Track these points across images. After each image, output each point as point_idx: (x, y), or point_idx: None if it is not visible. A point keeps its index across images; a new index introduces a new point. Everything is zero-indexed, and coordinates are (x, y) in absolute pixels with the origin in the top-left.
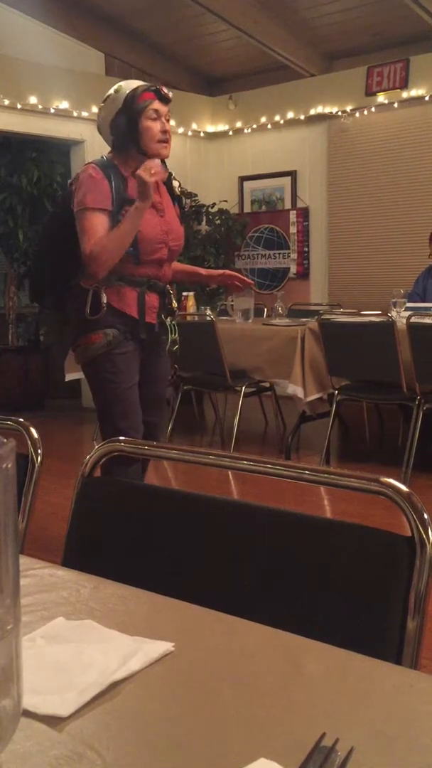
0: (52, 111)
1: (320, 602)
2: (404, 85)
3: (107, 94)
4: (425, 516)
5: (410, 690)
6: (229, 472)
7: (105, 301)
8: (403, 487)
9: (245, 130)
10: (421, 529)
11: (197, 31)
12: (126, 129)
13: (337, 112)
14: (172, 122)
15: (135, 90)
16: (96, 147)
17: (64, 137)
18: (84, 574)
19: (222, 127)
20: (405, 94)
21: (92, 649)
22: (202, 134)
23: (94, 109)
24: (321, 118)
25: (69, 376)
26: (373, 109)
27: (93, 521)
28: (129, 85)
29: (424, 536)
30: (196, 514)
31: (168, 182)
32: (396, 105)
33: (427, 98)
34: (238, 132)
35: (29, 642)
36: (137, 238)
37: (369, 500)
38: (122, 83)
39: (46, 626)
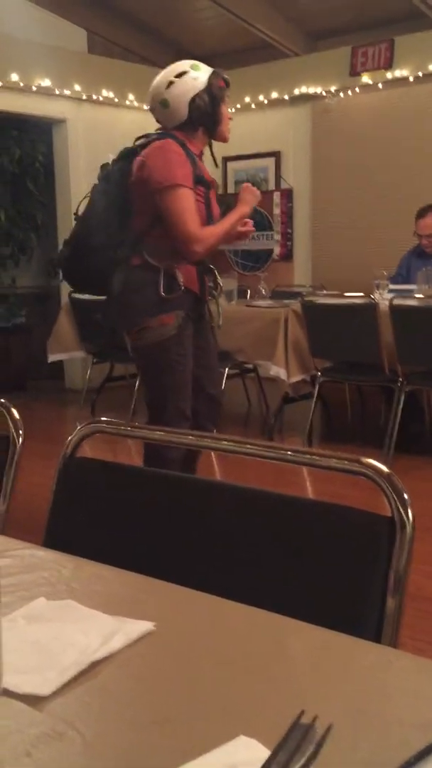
0: (34, 88)
1: (301, 582)
2: (389, 65)
3: (181, 71)
4: (405, 496)
5: (389, 668)
6: (212, 453)
7: (182, 280)
8: (384, 468)
9: (229, 110)
10: (401, 509)
11: (181, 8)
12: (210, 110)
13: (321, 93)
14: None
15: (216, 74)
16: (79, 125)
17: (46, 115)
18: (65, 554)
19: None
20: (389, 75)
21: (73, 628)
22: None
23: (77, 87)
24: (305, 98)
25: (52, 357)
26: (357, 90)
27: (74, 502)
28: (206, 66)
29: (404, 516)
30: (178, 494)
31: None
32: (380, 86)
33: (411, 79)
34: None
35: (10, 622)
36: (210, 216)
37: (350, 481)
38: (196, 62)
39: (27, 606)
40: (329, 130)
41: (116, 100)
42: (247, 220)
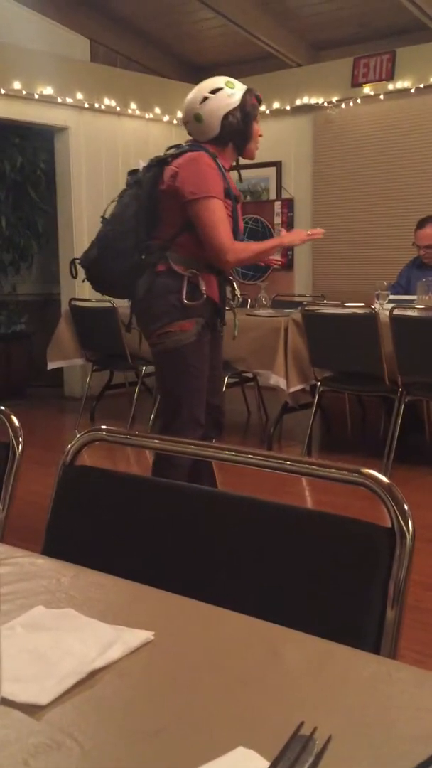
0: (36, 96)
1: (300, 592)
2: (390, 77)
3: (216, 87)
4: (406, 507)
5: (388, 679)
6: (211, 462)
7: (204, 289)
8: (384, 479)
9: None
10: (401, 520)
11: (184, 18)
12: (241, 127)
13: (323, 103)
14: (157, 110)
15: (250, 91)
16: (81, 133)
17: (48, 123)
18: (64, 563)
19: None
20: (391, 86)
21: (72, 637)
22: None
23: (79, 96)
24: (307, 108)
25: (52, 364)
26: (359, 101)
27: (74, 510)
28: (240, 84)
29: (404, 527)
30: (177, 503)
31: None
32: (382, 97)
33: (413, 91)
34: None
35: (9, 630)
36: (236, 230)
37: (350, 491)
38: (230, 79)
39: (25, 615)
40: (330, 140)
41: (118, 108)
42: (278, 259)
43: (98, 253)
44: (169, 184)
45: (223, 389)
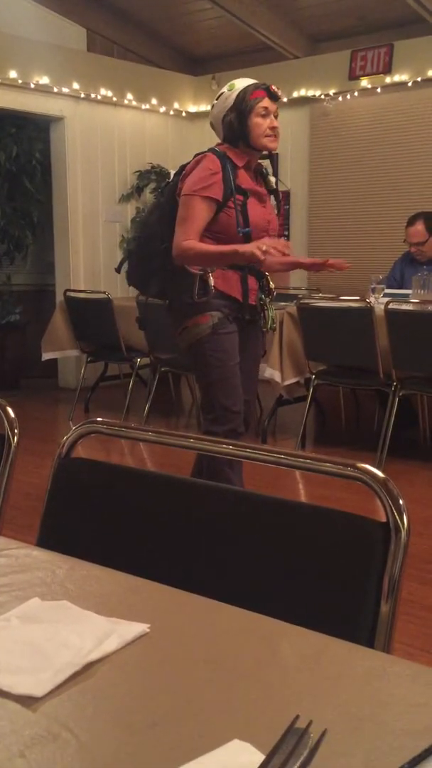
0: (32, 86)
1: (295, 586)
2: (388, 70)
3: (220, 92)
4: (401, 502)
5: (383, 674)
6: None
7: (213, 285)
8: (380, 473)
9: (269, 119)
10: (396, 514)
11: (181, 9)
12: (237, 126)
13: (320, 96)
14: (154, 101)
15: (246, 88)
16: (77, 124)
17: (44, 113)
18: (59, 554)
19: (204, 107)
20: (388, 80)
21: (67, 629)
22: (184, 114)
23: (75, 86)
24: (304, 101)
25: (46, 355)
26: (356, 94)
27: (69, 502)
28: (241, 83)
29: (399, 522)
30: (172, 496)
31: (264, 178)
32: (379, 90)
33: (410, 84)
34: None
35: (4, 622)
36: (250, 223)
37: (344, 485)
38: (236, 81)
39: (21, 606)
40: (327, 133)
41: (114, 99)
42: (272, 243)
43: (135, 258)
44: (181, 188)
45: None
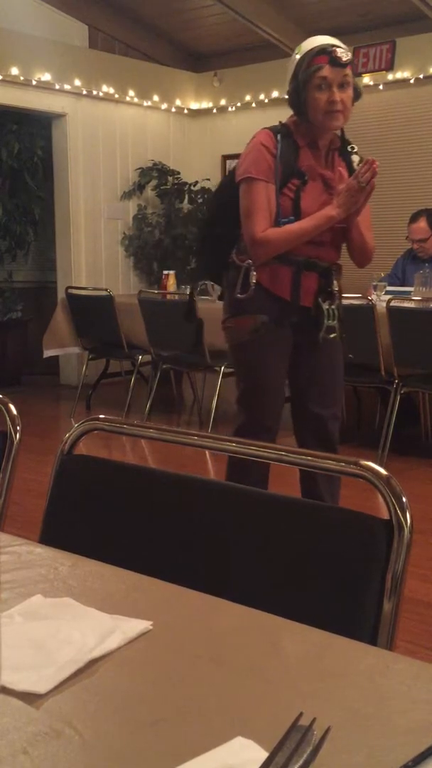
0: (34, 83)
1: (297, 583)
2: (390, 66)
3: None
4: (404, 499)
5: (386, 671)
6: (206, 452)
7: (254, 281)
8: (383, 471)
9: (229, 108)
10: (399, 512)
11: (183, 5)
12: (296, 99)
13: None
14: (156, 98)
15: (307, 54)
16: (78, 120)
17: (46, 110)
18: (62, 551)
19: (206, 104)
20: (390, 76)
21: (70, 626)
22: (185, 111)
23: (77, 82)
24: None
25: (47, 352)
26: None
27: (71, 498)
28: (308, 44)
29: (402, 519)
30: (174, 493)
31: (347, 157)
32: (381, 87)
33: (412, 81)
34: (222, 110)
35: (7, 619)
36: (301, 212)
37: (347, 482)
38: (304, 43)
39: (23, 603)
40: None
41: (116, 95)
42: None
43: (206, 252)
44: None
45: (340, 399)
